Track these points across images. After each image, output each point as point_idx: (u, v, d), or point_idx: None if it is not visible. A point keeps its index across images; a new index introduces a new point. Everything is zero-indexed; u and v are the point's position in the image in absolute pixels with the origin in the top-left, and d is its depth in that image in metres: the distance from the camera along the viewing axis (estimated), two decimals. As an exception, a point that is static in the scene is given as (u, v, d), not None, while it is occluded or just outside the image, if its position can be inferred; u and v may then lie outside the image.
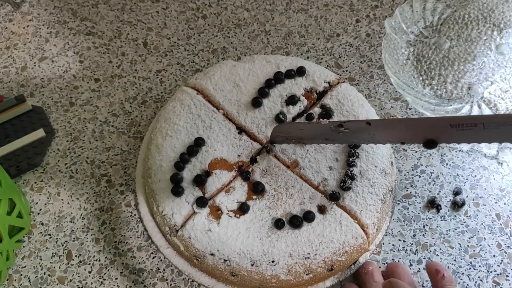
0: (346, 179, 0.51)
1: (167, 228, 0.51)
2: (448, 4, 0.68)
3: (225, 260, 0.48)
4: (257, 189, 0.50)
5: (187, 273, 0.52)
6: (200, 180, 0.51)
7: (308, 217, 0.49)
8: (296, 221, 0.48)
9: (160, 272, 0.54)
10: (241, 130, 0.55)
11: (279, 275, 0.48)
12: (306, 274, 0.48)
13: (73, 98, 0.67)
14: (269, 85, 0.57)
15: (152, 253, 0.55)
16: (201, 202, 0.50)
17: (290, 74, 0.58)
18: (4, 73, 0.69)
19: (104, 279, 0.54)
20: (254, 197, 0.51)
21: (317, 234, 0.48)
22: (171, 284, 0.53)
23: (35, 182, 0.60)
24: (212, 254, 0.48)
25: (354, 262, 0.51)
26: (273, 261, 0.48)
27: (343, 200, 0.50)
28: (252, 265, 0.48)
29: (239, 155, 0.53)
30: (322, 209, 0.50)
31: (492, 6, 0.65)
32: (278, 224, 0.49)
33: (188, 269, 0.52)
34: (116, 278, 0.54)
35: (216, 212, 0.50)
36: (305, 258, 0.48)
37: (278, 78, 0.57)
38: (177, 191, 0.50)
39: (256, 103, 0.56)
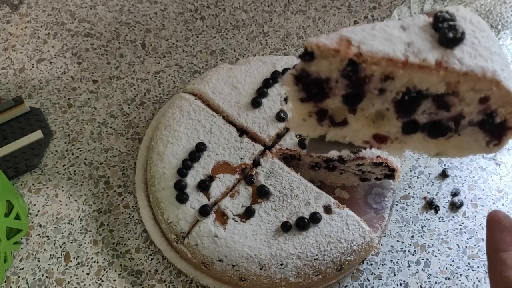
0: (441, 25, 0.29)
1: (174, 236, 0.51)
2: (445, 6, 0.68)
3: (233, 266, 0.48)
4: (261, 192, 0.50)
5: (191, 276, 0.52)
6: (204, 186, 0.51)
7: (314, 218, 0.49)
8: (302, 223, 0.48)
9: (159, 273, 0.54)
10: (242, 132, 0.55)
11: (288, 277, 0.48)
12: (316, 276, 0.48)
13: (71, 99, 0.67)
14: (267, 84, 0.57)
15: (150, 254, 0.55)
16: (203, 211, 0.50)
17: None
18: (2, 75, 0.69)
19: (102, 281, 0.53)
20: (259, 200, 0.51)
21: (324, 234, 0.48)
22: (169, 286, 0.53)
23: (33, 184, 0.60)
24: (220, 260, 0.48)
25: (362, 260, 0.52)
26: (281, 264, 0.48)
27: (460, 61, 0.29)
28: (260, 269, 0.48)
29: (241, 158, 0.53)
30: (328, 209, 0.50)
31: (490, 7, 0.65)
32: (285, 226, 0.48)
33: (192, 271, 0.52)
34: (115, 280, 0.53)
35: (222, 218, 0.50)
36: (314, 259, 0.48)
37: (276, 77, 0.57)
38: (181, 197, 0.50)
39: (255, 103, 0.56)
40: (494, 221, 0.33)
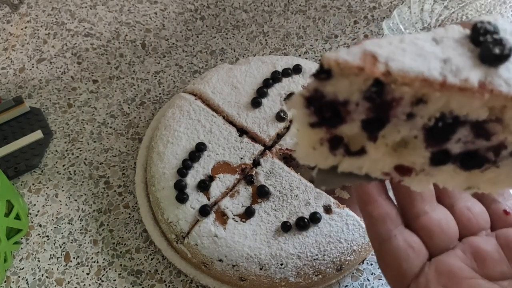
0: (483, 39, 0.24)
1: (174, 236, 0.51)
2: (446, 6, 0.68)
3: (233, 266, 0.48)
4: (261, 192, 0.50)
5: (191, 276, 0.52)
6: (204, 186, 0.51)
7: (314, 218, 0.49)
8: (302, 223, 0.48)
9: (159, 273, 0.54)
10: (242, 132, 0.55)
11: (288, 277, 0.48)
12: (315, 275, 0.49)
13: (71, 99, 0.67)
14: (267, 84, 0.57)
15: (150, 254, 0.55)
16: (203, 211, 0.50)
17: (287, 72, 0.58)
18: (2, 75, 0.69)
19: (102, 281, 0.53)
20: (259, 200, 0.51)
21: (324, 234, 0.48)
22: (169, 286, 0.53)
23: (33, 184, 0.60)
24: (220, 260, 0.48)
25: (362, 260, 0.52)
26: (281, 264, 0.48)
27: (507, 82, 0.23)
28: (260, 269, 0.48)
29: (241, 158, 0.53)
30: (328, 209, 0.50)
31: (490, 7, 0.65)
32: (285, 226, 0.49)
33: (192, 271, 0.52)
34: (115, 280, 0.53)
35: (222, 218, 0.50)
36: (314, 259, 0.48)
37: (276, 77, 0.57)
38: (181, 197, 0.50)
39: (255, 103, 0.56)
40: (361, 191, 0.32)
